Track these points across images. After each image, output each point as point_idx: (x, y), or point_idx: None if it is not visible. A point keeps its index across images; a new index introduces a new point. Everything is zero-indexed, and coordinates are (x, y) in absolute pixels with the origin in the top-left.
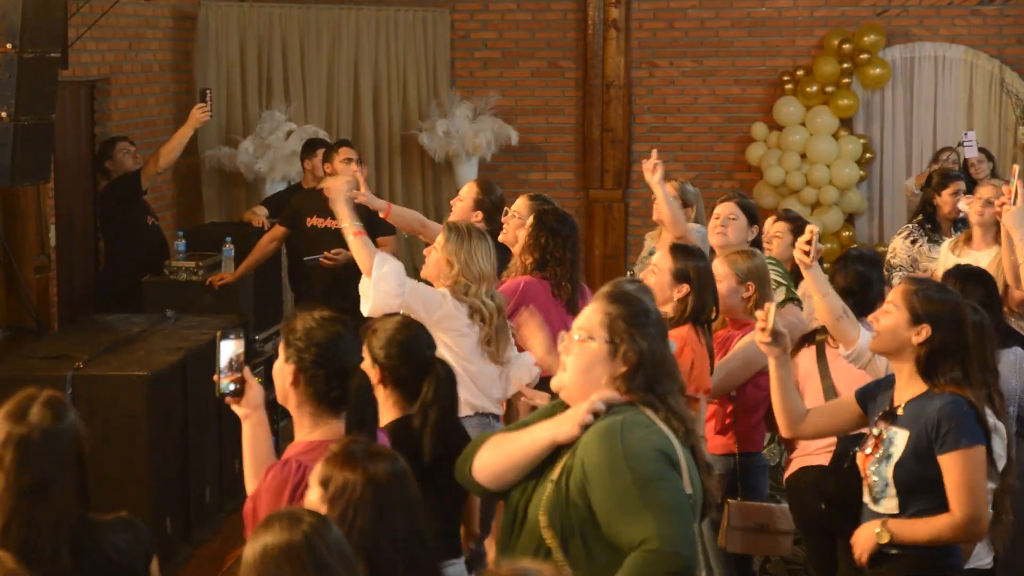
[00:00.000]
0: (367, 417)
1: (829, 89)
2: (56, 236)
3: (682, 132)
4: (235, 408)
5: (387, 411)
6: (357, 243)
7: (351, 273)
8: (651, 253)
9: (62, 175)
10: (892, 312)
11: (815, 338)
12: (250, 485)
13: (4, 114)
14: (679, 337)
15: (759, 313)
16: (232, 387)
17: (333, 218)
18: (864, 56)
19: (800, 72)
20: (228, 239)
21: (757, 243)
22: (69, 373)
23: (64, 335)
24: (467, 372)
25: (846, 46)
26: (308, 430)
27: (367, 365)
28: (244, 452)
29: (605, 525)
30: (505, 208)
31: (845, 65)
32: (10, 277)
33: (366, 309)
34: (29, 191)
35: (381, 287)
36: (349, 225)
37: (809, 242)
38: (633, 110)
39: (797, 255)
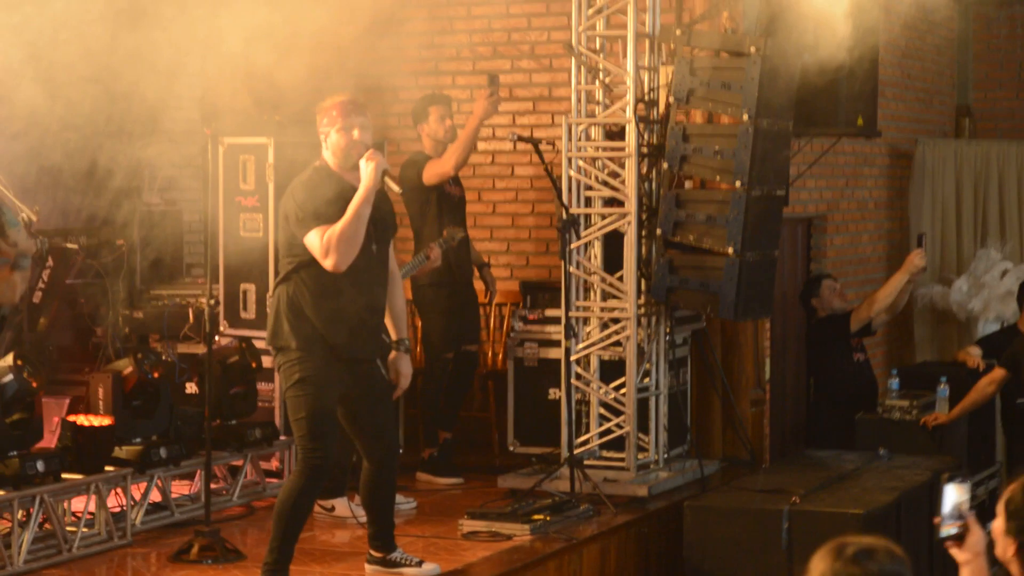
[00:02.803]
0: None
1: None
2: (771, 371)
3: None
4: (955, 553)
5: None
6: None
7: None
8: None
9: (776, 310)
10: None
11: None
12: None
13: (731, 250)
14: None
15: None
16: (953, 533)
17: None
18: None
19: None
20: (943, 379)
21: None
22: (785, 508)
23: (777, 469)
24: None
25: None
26: None
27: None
28: None
29: None
30: None
31: None
32: (727, 410)
33: None
34: (748, 325)
35: None
36: None
37: None
38: None
39: None
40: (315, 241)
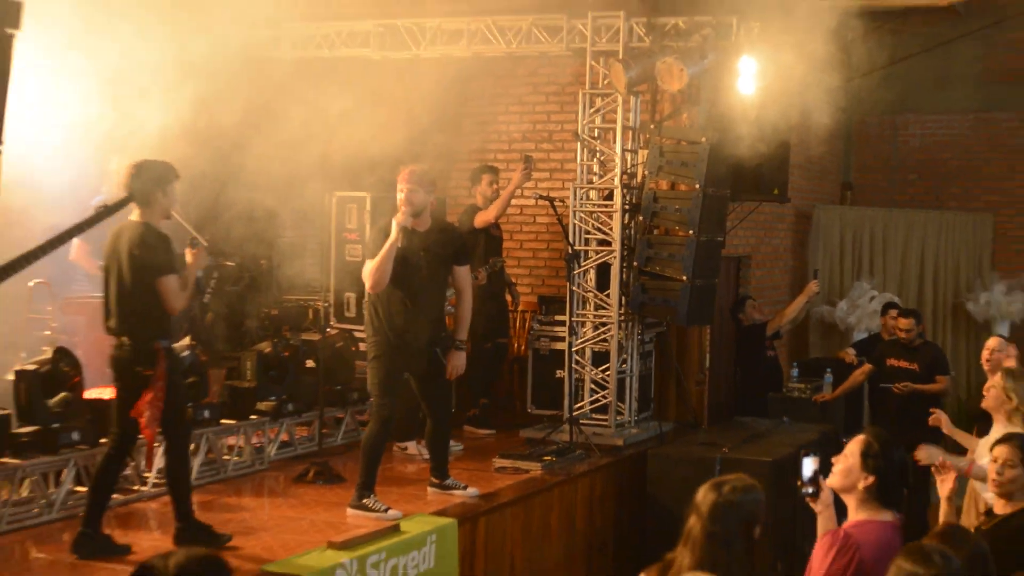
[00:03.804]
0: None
1: None
2: (710, 361)
3: None
4: (812, 505)
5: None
6: None
7: (916, 401)
8: None
9: (715, 320)
10: None
11: None
12: None
13: (685, 277)
14: None
15: None
16: (809, 491)
17: (907, 360)
18: None
19: None
20: (828, 370)
21: None
22: (718, 456)
23: (713, 429)
24: None
25: None
26: (862, 514)
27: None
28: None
29: None
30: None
31: None
32: (679, 388)
33: None
34: (695, 330)
35: None
36: None
37: None
38: None
39: None
40: (365, 269)
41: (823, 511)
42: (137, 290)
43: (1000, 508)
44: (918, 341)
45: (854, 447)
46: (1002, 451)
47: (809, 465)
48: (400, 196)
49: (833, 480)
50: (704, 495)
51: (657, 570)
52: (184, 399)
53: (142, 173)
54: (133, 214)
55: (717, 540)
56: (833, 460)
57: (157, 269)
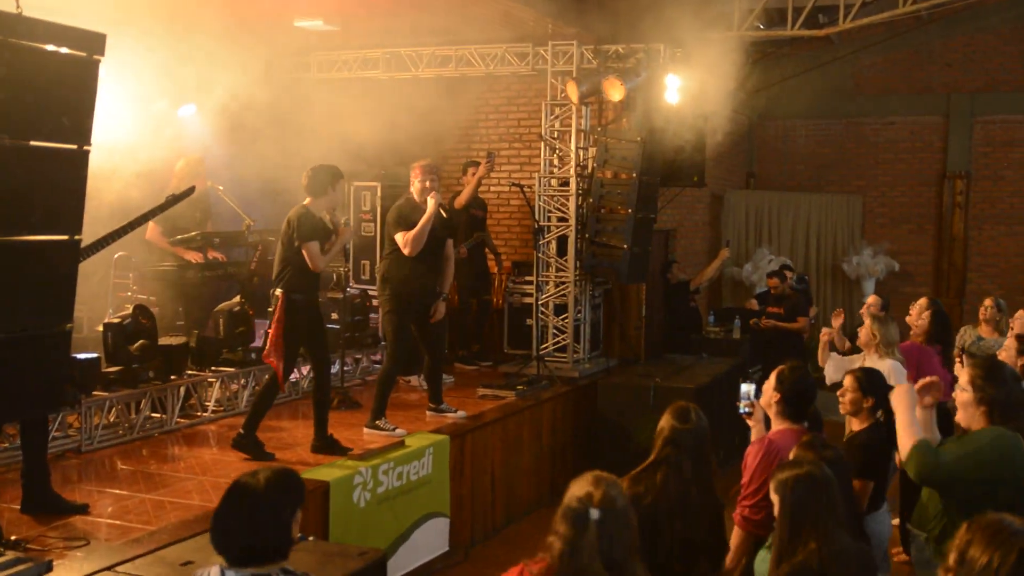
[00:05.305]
0: (814, 426)
1: None
2: (645, 311)
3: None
4: (748, 421)
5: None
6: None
7: (784, 335)
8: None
9: (649, 278)
10: None
11: None
12: None
13: (625, 246)
14: None
15: None
16: (746, 411)
17: (776, 306)
18: None
19: None
20: (737, 316)
21: None
22: (652, 384)
23: (649, 364)
24: None
25: None
26: (779, 424)
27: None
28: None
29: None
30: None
31: None
32: (622, 332)
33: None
34: (634, 286)
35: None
36: None
37: None
38: (968, 254)
39: None
40: (400, 238)
41: (755, 425)
42: (283, 254)
43: (854, 426)
44: (786, 292)
45: (774, 374)
46: (846, 380)
47: (745, 388)
48: (416, 184)
49: (762, 398)
50: (673, 426)
51: (630, 480)
52: (303, 337)
53: (317, 173)
54: (305, 200)
55: (692, 458)
56: (764, 385)
57: (302, 237)
